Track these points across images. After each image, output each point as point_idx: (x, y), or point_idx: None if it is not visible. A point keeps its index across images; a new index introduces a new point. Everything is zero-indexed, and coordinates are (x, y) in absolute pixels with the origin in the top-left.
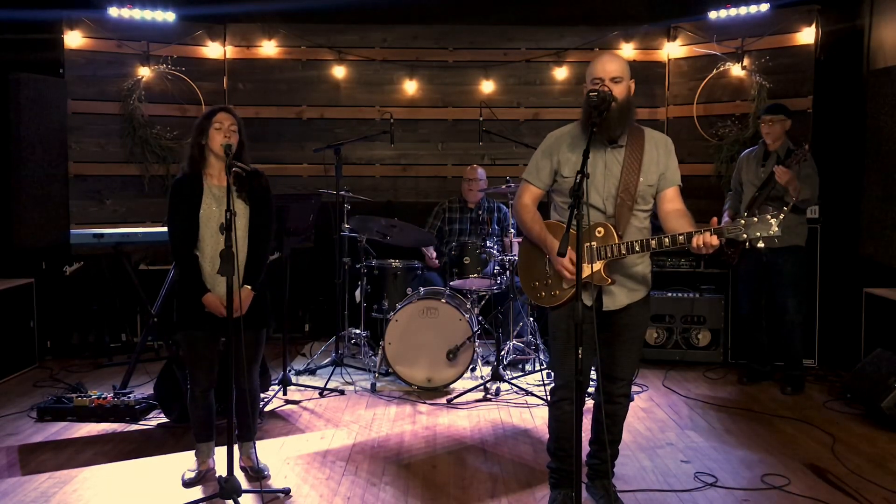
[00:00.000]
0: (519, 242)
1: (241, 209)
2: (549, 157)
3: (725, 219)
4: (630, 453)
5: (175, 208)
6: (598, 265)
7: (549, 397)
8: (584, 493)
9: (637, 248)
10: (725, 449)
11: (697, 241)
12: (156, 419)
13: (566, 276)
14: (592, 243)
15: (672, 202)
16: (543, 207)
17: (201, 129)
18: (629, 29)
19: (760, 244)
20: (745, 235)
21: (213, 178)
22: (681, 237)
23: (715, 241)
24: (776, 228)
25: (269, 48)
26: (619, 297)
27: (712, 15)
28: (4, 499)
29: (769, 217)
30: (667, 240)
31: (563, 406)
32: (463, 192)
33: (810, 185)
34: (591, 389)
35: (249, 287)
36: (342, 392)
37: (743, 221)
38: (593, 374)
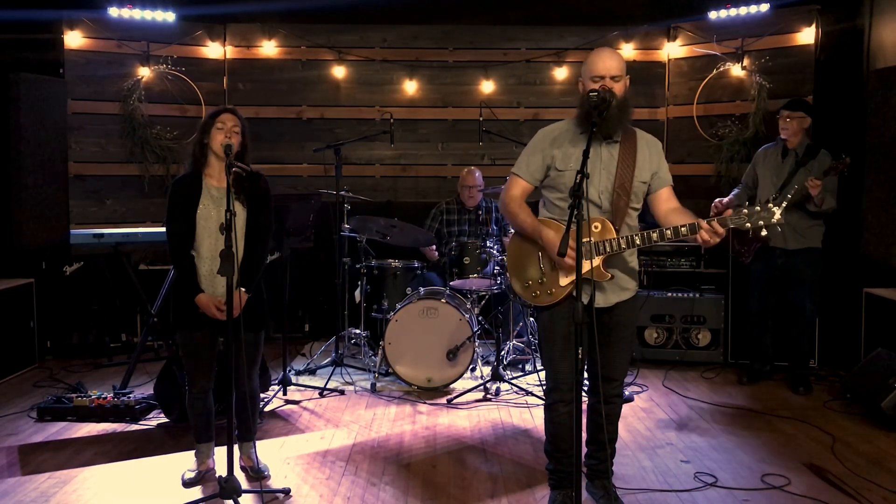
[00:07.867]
0: (507, 241)
1: (239, 211)
2: (541, 153)
3: (727, 199)
4: (630, 453)
5: (173, 208)
6: (596, 261)
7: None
8: (584, 493)
9: (637, 242)
10: (725, 449)
11: (704, 228)
12: (156, 419)
13: (570, 270)
14: (590, 238)
15: (669, 201)
16: (532, 206)
17: (204, 128)
18: (629, 29)
19: (763, 232)
20: (748, 224)
21: (213, 179)
22: (683, 228)
23: (720, 228)
24: (779, 216)
25: (269, 48)
26: (610, 294)
27: (712, 15)
28: (4, 499)
29: (771, 206)
30: (668, 231)
31: (558, 408)
32: (462, 197)
33: (833, 193)
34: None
35: (244, 289)
36: (342, 392)
37: (745, 211)
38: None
